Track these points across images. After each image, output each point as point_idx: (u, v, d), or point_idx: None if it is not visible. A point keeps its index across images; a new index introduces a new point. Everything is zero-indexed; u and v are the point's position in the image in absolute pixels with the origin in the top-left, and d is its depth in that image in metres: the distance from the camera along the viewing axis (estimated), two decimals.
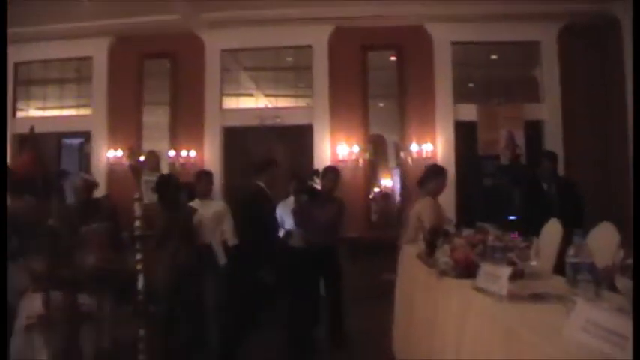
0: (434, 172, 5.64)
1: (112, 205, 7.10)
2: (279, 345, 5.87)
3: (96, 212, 5.86)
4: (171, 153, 9.85)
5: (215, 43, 9.97)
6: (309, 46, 9.84)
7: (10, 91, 10.00)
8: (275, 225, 6.03)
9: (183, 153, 9.78)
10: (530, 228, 4.30)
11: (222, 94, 10.10)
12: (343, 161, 9.29)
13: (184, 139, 9.88)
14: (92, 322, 4.62)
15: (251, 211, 5.53)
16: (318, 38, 9.72)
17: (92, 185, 6.65)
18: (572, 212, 5.91)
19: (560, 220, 4.19)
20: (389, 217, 9.96)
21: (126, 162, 9.73)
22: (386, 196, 10.64)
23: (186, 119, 9.96)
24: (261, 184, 5.52)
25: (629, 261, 1.96)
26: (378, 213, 10.03)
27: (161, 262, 5.31)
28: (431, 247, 3.98)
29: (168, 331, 5.48)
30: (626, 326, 1.49)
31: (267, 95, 12.03)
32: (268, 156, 7.27)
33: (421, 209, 5.27)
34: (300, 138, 9.80)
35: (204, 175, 6.86)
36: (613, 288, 2.07)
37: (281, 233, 6.71)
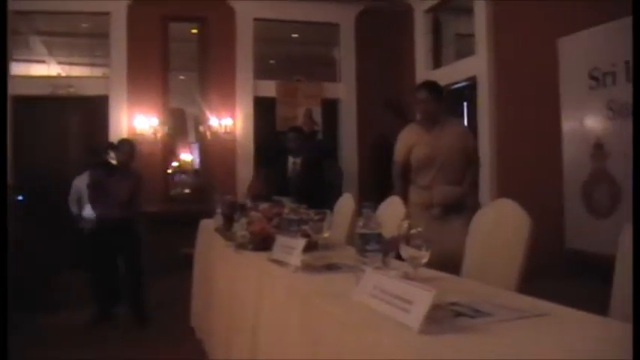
0: None
1: None
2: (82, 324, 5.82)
3: None
4: None
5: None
6: (107, 13, 9.21)
7: None
8: None
9: None
10: None
11: (10, 60, 9.25)
12: (141, 134, 8.93)
13: None
14: None
15: None
16: (116, 5, 9.14)
17: None
18: None
19: None
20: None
21: None
22: None
23: None
24: None
25: (413, 231, 2.11)
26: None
27: None
28: (228, 221, 4.03)
29: None
30: (409, 291, 1.61)
31: (60, 63, 11.37)
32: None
33: None
34: (95, 109, 9.23)
35: None
36: (399, 257, 2.22)
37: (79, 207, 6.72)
